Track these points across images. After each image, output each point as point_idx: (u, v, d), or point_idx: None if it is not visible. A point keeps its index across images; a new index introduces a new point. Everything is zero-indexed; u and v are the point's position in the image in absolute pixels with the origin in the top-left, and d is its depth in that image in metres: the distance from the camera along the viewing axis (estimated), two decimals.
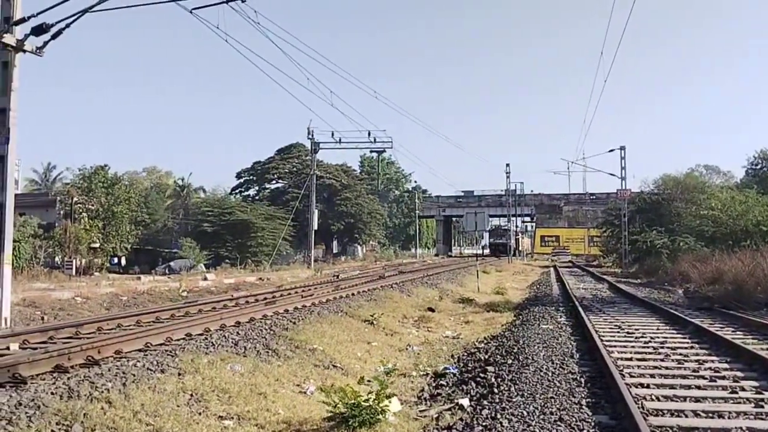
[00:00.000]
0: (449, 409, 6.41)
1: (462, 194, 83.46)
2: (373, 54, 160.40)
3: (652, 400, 5.91)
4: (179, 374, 6.17)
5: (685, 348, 8.80)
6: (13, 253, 11.09)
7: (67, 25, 10.60)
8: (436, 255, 76.56)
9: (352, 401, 5.79)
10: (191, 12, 12.55)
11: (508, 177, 59.18)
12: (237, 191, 64.36)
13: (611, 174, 41.77)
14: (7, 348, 7.63)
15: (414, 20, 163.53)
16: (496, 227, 71.66)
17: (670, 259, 29.68)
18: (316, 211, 39.67)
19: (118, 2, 10.79)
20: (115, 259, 37.52)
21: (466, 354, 9.64)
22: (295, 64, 38.16)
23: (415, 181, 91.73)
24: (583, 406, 5.73)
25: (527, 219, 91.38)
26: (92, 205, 36.72)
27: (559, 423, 5.23)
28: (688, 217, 34.23)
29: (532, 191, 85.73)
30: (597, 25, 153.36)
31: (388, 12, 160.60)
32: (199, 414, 5.52)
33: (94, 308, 14.73)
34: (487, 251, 79.92)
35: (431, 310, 15.25)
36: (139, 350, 7.15)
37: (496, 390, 6.60)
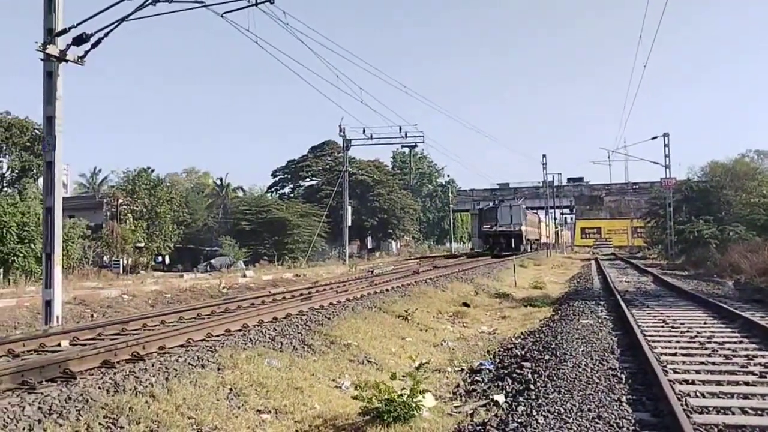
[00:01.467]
0: (484, 405, 6.36)
1: (497, 187, 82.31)
2: (403, 48, 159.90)
3: (697, 396, 5.71)
4: (219, 369, 6.32)
5: (734, 342, 8.46)
6: (63, 254, 11.55)
7: (106, 34, 10.98)
8: (472, 249, 74.84)
9: (387, 397, 5.82)
10: (222, 16, 12.79)
11: (544, 168, 58.18)
12: (273, 189, 65.39)
13: (654, 162, 40.67)
14: (59, 345, 7.95)
15: (445, 10, 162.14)
16: (496, 204, 42.71)
17: (719, 249, 28.64)
18: (349, 208, 39.90)
19: (152, 10, 11.06)
20: (159, 258, 38.66)
21: (502, 350, 9.54)
22: (324, 62, 38.24)
23: (448, 175, 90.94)
24: (623, 403, 5.60)
25: (566, 211, 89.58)
26: (137, 207, 37.94)
27: (597, 420, 5.13)
28: (738, 206, 32.97)
29: (570, 181, 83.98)
30: (635, 6, 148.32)
31: (418, 4, 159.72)
32: (238, 408, 5.65)
33: (140, 305, 15.22)
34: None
35: (466, 305, 15.15)
36: (181, 346, 7.34)
37: (532, 386, 6.52)
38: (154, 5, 10.96)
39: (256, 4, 12.61)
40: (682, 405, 5.22)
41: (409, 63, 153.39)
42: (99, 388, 5.26)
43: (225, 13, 12.79)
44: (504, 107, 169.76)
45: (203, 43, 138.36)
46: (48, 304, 10.65)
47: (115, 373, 5.73)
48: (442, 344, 10.34)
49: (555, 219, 74.18)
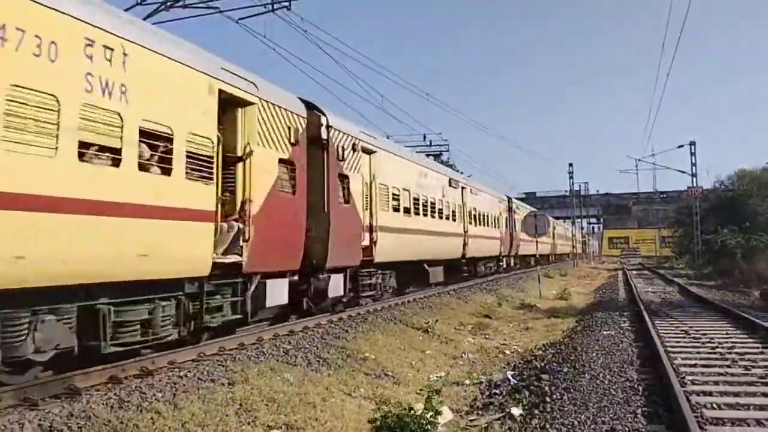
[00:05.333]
0: (499, 419, 6.30)
1: (524, 196, 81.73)
2: (424, 55, 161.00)
3: (713, 408, 5.60)
4: (229, 384, 6.31)
5: (755, 353, 8.31)
6: None
7: None
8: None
9: (401, 411, 5.81)
10: (237, 22, 12.98)
11: (571, 177, 57.46)
12: None
13: (681, 171, 40.04)
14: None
15: (467, 20, 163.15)
16: None
17: (746, 259, 27.90)
18: None
19: (166, 15, 11.27)
20: None
21: (522, 362, 9.44)
22: (344, 69, 38.07)
23: None
24: (638, 416, 5.54)
25: (593, 220, 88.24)
26: None
27: None
28: (765, 214, 32.16)
29: (597, 191, 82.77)
30: (659, 15, 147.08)
31: (442, 14, 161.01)
32: (248, 424, 5.59)
33: None
34: None
35: (488, 317, 15.01)
36: (193, 360, 7.29)
37: (548, 399, 6.49)
38: (168, 11, 11.14)
39: (273, 10, 12.79)
40: (696, 417, 5.12)
41: (431, 71, 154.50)
42: (103, 404, 5.21)
43: (240, 19, 12.97)
44: (530, 116, 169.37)
45: (220, 49, 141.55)
46: None
47: (120, 389, 5.67)
48: (462, 357, 10.24)
49: (582, 228, 73.00)
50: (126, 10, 10.94)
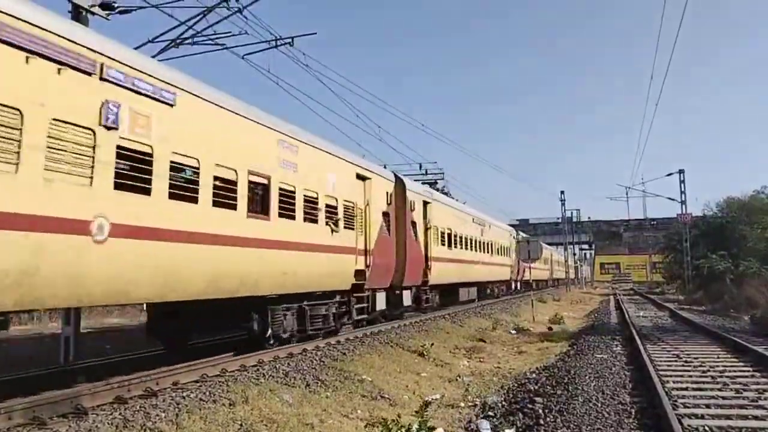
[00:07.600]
0: None
1: (517, 223, 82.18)
2: (422, 87, 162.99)
3: (705, 430, 5.72)
4: (230, 404, 6.42)
5: (745, 377, 8.45)
6: None
7: None
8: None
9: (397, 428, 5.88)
10: (243, 58, 13.40)
11: (563, 204, 57.98)
12: None
13: (670, 198, 40.61)
14: (75, 380, 8.09)
15: (457, 48, 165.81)
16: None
17: (735, 284, 28.21)
18: None
19: (175, 52, 11.65)
20: None
21: (516, 385, 9.52)
22: (344, 102, 39.31)
23: None
24: None
25: (585, 246, 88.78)
26: None
27: None
28: (753, 240, 32.62)
29: (589, 218, 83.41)
30: (648, 44, 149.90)
31: (437, 47, 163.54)
32: None
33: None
34: None
35: (483, 340, 15.11)
36: (195, 381, 7.44)
37: (542, 421, 6.54)
38: (177, 48, 11.51)
39: (276, 47, 13.23)
40: None
41: (427, 102, 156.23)
42: (108, 423, 5.34)
43: (246, 55, 13.42)
44: (522, 147, 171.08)
45: (225, 83, 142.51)
46: (67, 341, 10.82)
47: (125, 409, 5.82)
48: (457, 379, 10.32)
49: (574, 254, 73.44)
50: (137, 48, 11.33)
